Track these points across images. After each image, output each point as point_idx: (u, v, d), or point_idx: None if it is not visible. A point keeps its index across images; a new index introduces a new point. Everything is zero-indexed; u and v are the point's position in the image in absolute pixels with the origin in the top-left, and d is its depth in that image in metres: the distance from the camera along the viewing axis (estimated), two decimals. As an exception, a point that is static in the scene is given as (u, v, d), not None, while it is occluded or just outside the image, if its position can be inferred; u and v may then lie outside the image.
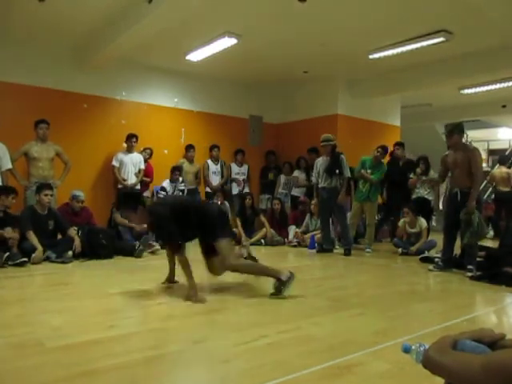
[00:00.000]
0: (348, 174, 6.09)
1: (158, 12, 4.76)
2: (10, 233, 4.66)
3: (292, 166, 8.32)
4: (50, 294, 3.44)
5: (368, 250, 6.30)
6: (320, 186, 6.15)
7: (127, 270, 4.69)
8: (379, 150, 6.50)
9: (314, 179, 6.27)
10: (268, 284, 4.02)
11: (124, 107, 7.46)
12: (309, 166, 8.04)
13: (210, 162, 7.81)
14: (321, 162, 6.17)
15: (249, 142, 8.92)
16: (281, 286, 3.31)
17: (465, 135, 11.31)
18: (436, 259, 5.11)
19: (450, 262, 4.85)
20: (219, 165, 7.85)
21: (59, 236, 5.25)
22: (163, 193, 7.08)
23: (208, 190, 7.74)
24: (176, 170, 7.13)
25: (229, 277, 3.77)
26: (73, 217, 5.50)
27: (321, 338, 2.45)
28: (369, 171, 6.38)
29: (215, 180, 7.77)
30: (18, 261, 4.46)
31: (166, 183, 7.15)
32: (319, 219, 6.55)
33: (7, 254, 4.44)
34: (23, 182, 5.67)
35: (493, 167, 11.20)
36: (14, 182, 5.57)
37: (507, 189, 8.73)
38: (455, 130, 4.66)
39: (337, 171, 5.97)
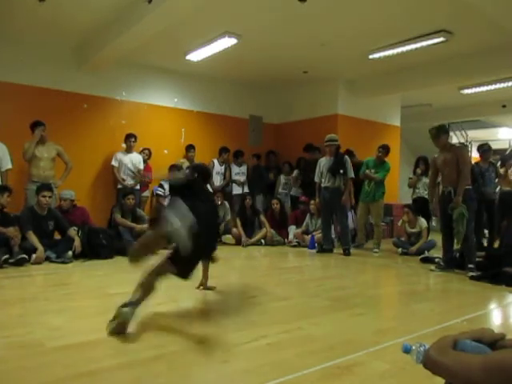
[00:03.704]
0: (351, 174, 6.12)
1: (158, 12, 4.75)
2: (12, 232, 4.66)
3: (292, 166, 8.32)
4: (50, 294, 3.44)
5: (376, 250, 6.29)
6: (323, 185, 6.15)
7: (127, 270, 4.66)
8: (380, 149, 6.56)
9: (316, 179, 6.28)
10: (269, 284, 4.02)
11: (124, 107, 7.46)
12: (307, 164, 8.02)
13: (216, 161, 7.79)
14: (324, 162, 6.17)
15: (249, 142, 8.93)
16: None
17: (462, 135, 11.32)
18: (437, 259, 5.11)
19: (451, 262, 4.85)
20: (223, 166, 7.85)
21: (58, 236, 5.25)
22: (161, 190, 7.09)
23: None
24: (174, 168, 7.14)
25: (229, 277, 3.77)
26: (66, 215, 5.50)
27: (321, 338, 2.45)
28: (372, 171, 6.47)
29: (217, 180, 7.76)
30: (18, 257, 4.47)
31: (165, 181, 7.15)
32: (319, 219, 6.56)
33: (6, 256, 4.41)
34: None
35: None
36: (14, 183, 5.58)
37: (509, 188, 8.71)
38: (441, 132, 4.82)
39: (341, 171, 5.99)
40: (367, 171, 6.50)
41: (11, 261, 4.45)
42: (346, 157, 6.09)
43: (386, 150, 6.60)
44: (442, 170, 4.86)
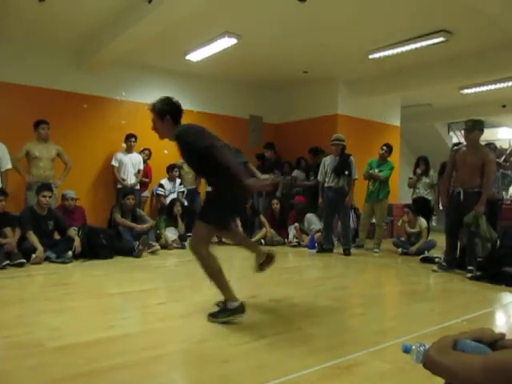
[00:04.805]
0: (356, 175, 6.10)
1: (157, 12, 4.75)
2: (9, 233, 4.65)
3: (292, 165, 8.32)
4: (50, 294, 3.44)
5: (376, 250, 6.28)
6: (326, 185, 6.14)
7: (127, 270, 4.69)
8: (384, 147, 6.58)
9: (320, 178, 6.27)
10: (269, 284, 4.02)
11: (124, 107, 7.46)
12: (309, 166, 8.03)
13: None
14: (328, 162, 6.15)
15: (249, 142, 8.92)
16: (221, 313, 2.70)
17: (462, 134, 11.26)
18: (437, 259, 5.11)
19: (453, 263, 4.84)
20: None
21: (57, 236, 5.25)
22: (162, 189, 7.11)
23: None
24: (174, 167, 7.15)
25: (229, 277, 3.76)
26: (69, 215, 5.51)
27: (321, 338, 2.45)
28: (376, 170, 6.46)
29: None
30: (17, 261, 4.45)
31: (164, 181, 7.17)
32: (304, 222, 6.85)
33: (6, 262, 4.37)
34: (28, 179, 5.63)
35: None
36: (14, 183, 5.58)
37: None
38: (476, 127, 4.56)
39: (346, 172, 5.98)
40: (371, 171, 6.50)
41: (10, 263, 4.43)
42: (351, 158, 6.06)
43: (389, 148, 6.60)
44: (459, 167, 4.65)
